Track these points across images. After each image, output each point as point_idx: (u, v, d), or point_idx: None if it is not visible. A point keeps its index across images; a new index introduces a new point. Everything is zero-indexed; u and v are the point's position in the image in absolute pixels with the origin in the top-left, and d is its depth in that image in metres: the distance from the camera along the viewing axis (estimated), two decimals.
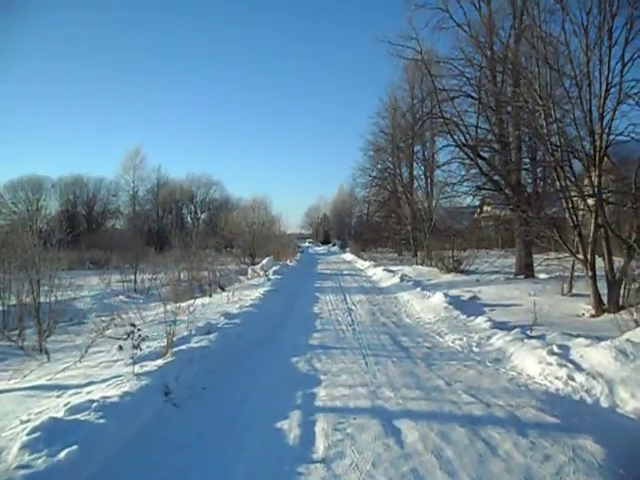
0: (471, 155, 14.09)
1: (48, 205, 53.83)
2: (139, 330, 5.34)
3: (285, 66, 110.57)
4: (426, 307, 10.46)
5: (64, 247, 32.65)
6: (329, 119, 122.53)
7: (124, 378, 4.78)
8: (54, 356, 7.03)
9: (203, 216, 58.86)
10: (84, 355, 5.88)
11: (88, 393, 4.54)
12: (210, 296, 13.58)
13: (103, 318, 11.38)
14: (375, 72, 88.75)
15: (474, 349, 6.73)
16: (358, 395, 4.88)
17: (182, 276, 17.51)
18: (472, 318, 8.60)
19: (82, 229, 49.69)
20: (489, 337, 7.05)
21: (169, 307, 12.34)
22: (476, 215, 39.33)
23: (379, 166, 32.82)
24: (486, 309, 9.93)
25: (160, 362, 5.41)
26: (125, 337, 5.13)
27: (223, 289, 16.07)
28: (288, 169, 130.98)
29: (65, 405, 4.03)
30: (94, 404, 3.90)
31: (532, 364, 5.57)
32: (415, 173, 29.35)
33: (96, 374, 5.34)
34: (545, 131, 9.51)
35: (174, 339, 6.80)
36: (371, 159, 32.91)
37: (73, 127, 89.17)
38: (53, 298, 10.89)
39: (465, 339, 7.22)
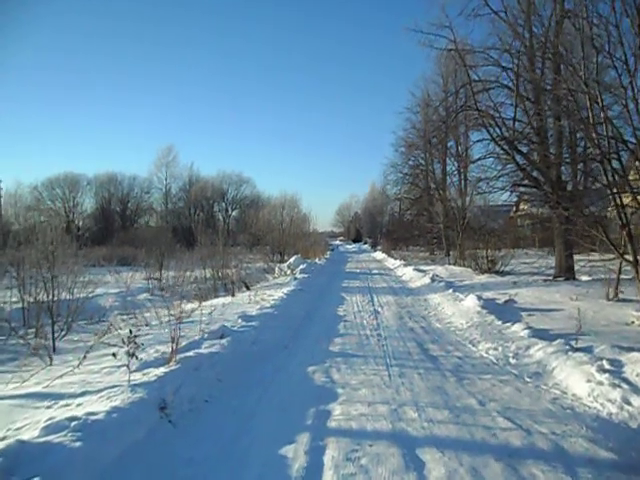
0: (508, 150, 13.26)
1: (84, 202, 55.03)
2: (135, 337, 4.87)
3: (317, 64, 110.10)
4: (458, 311, 9.76)
5: (97, 243, 33.02)
6: (362, 116, 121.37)
7: (118, 390, 4.33)
8: (63, 357, 6.71)
9: (234, 213, 59.08)
10: (82, 362, 5.46)
11: (78, 406, 4.11)
12: (233, 295, 13.19)
13: (124, 317, 11.19)
14: (408, 66, 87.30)
15: (511, 361, 6.05)
16: (377, 415, 4.30)
17: (208, 274, 17.27)
18: (508, 324, 7.87)
19: (116, 226, 50.91)
20: (528, 347, 6.33)
21: (189, 306, 12.08)
22: (512, 213, 38.17)
23: (411, 162, 31.96)
24: (523, 314, 9.17)
25: (162, 371, 4.95)
26: (128, 342, 4.68)
27: (248, 288, 15.70)
28: (320, 167, 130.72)
29: (46, 421, 3.58)
30: (74, 422, 3.44)
31: (579, 382, 4.87)
32: (448, 169, 28.46)
33: (95, 382, 4.92)
34: (591, 121, 8.68)
35: (184, 343, 6.39)
36: (402, 155, 32.09)
37: (108, 126, 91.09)
38: (70, 296, 10.76)
39: (501, 349, 6.54)
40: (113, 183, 55.29)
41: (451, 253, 24.18)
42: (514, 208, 38.84)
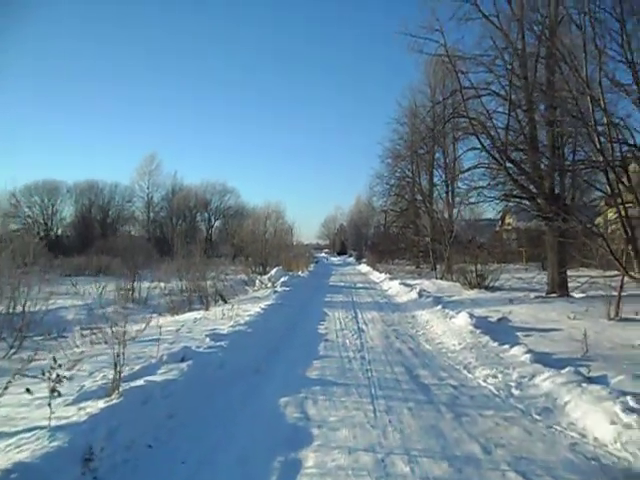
0: (499, 159, 12.60)
1: (63, 210, 53.55)
2: (59, 366, 3.96)
3: (302, 74, 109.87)
4: (449, 330, 8.96)
5: (77, 252, 31.73)
6: (348, 127, 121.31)
7: (34, 435, 3.43)
8: None
9: (217, 224, 57.96)
10: (4, 390, 4.51)
11: None
12: (207, 309, 12.26)
13: (87, 332, 10.17)
14: (397, 75, 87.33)
15: (514, 392, 5.23)
16: (359, 468, 3.46)
17: (185, 286, 16.26)
18: (506, 347, 7.07)
19: (96, 234, 49.47)
20: (532, 376, 5.53)
21: (156, 321, 11.11)
22: (497, 227, 37.76)
23: (397, 174, 31.28)
24: (520, 334, 8.39)
25: (99, 406, 4.05)
26: (49, 375, 3.76)
27: (225, 301, 14.79)
28: (306, 179, 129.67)
29: None
30: None
31: (600, 423, 4.06)
32: (435, 181, 27.86)
33: (19, 418, 4.01)
34: (592, 125, 8.03)
35: (137, 368, 5.49)
36: (389, 167, 31.41)
37: (89, 133, 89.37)
38: (28, 308, 9.81)
39: (501, 377, 5.73)
40: (94, 191, 53.89)
41: (438, 267, 23.50)
42: (499, 222, 38.57)
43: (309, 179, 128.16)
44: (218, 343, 7.03)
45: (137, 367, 5.52)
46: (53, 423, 3.62)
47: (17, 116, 76.87)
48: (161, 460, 3.60)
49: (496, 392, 5.28)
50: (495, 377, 5.75)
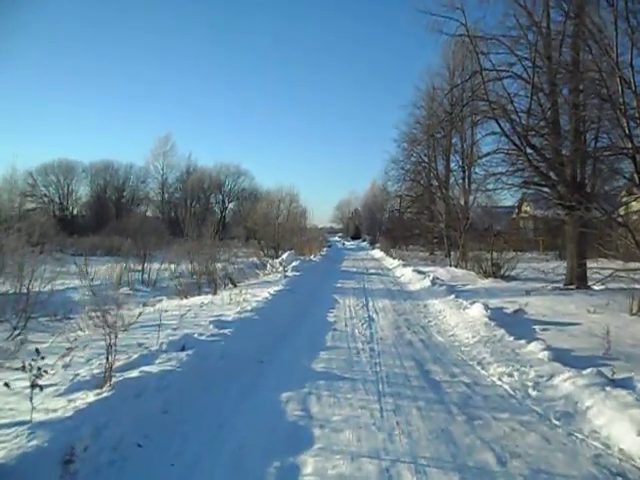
0: (519, 144, 12.09)
1: (79, 190, 53.79)
2: (43, 358, 3.70)
3: (318, 58, 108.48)
4: (462, 321, 8.62)
5: (92, 232, 31.85)
6: (364, 111, 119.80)
7: (13, 432, 3.19)
8: None
9: (231, 205, 57.80)
10: None
11: None
12: (215, 293, 12.05)
13: (97, 313, 10.01)
14: (413, 60, 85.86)
15: (531, 393, 4.90)
16: (363, 478, 3.17)
17: (194, 268, 16.04)
18: (522, 342, 6.72)
19: (111, 214, 49.59)
20: (551, 376, 5.18)
21: (161, 305, 10.93)
22: (514, 215, 36.97)
23: (413, 159, 30.63)
24: (537, 328, 8.04)
25: (87, 400, 3.81)
26: (30, 367, 3.50)
27: (235, 285, 14.59)
28: (320, 162, 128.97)
29: None
30: None
31: (627, 433, 3.70)
32: (451, 166, 27.21)
33: (6, 409, 3.78)
34: (622, 109, 7.53)
35: (134, 357, 5.26)
36: (405, 151, 30.76)
37: (104, 113, 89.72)
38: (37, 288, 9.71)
39: (517, 375, 5.40)
40: (109, 171, 54.00)
41: (452, 254, 23.03)
42: (516, 210, 37.75)
43: (324, 163, 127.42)
44: (222, 331, 6.79)
45: (135, 356, 5.29)
46: (37, 418, 3.38)
47: (33, 95, 77.25)
48: (149, 462, 3.35)
49: (512, 392, 4.95)
50: (511, 375, 5.41)
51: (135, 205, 54.34)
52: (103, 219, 45.86)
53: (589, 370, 5.02)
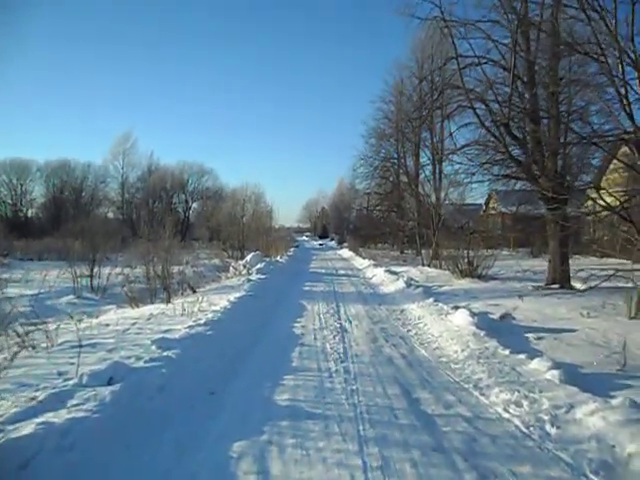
0: (498, 135, 11.20)
1: (33, 190, 51.04)
2: None
3: (283, 54, 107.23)
4: (446, 330, 7.60)
5: (48, 234, 29.73)
6: (331, 108, 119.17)
7: None
8: None
9: (195, 205, 55.92)
10: None
11: None
12: (168, 301, 10.74)
13: (30, 327, 8.56)
14: (381, 55, 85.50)
15: (550, 430, 3.86)
16: None
17: (148, 273, 14.58)
18: (522, 357, 5.73)
19: (69, 216, 47.07)
20: (570, 406, 4.15)
21: (108, 316, 9.62)
22: (482, 212, 36.63)
23: (382, 155, 29.81)
24: (530, 337, 7.10)
25: None
26: None
27: (194, 290, 13.31)
28: (288, 161, 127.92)
29: None
30: None
31: None
32: (422, 162, 26.37)
33: None
34: (623, 90, 6.63)
35: (42, 397, 4.00)
36: (373, 147, 29.95)
37: (60, 111, 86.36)
38: None
39: (526, 404, 4.36)
40: (66, 170, 51.42)
41: (423, 252, 22.20)
42: (484, 207, 37.43)
43: (291, 162, 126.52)
44: (165, 353, 5.55)
45: (42, 395, 4.02)
46: None
47: None
48: None
49: (526, 430, 3.90)
50: (519, 405, 4.38)
51: (95, 206, 51.84)
52: (60, 221, 43.51)
53: (619, 400, 4.01)
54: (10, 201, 49.42)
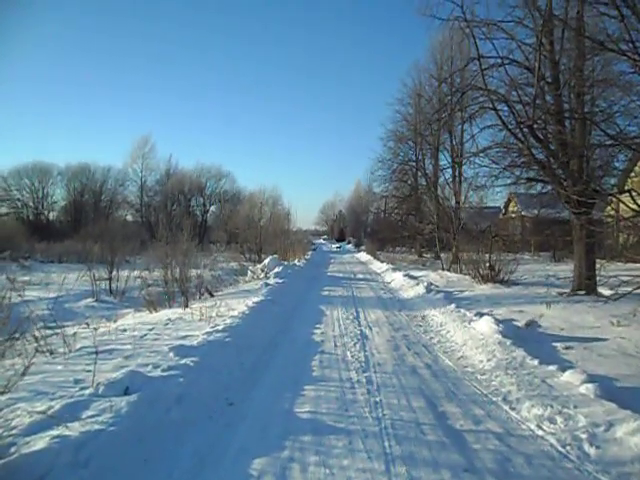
0: (521, 138, 10.91)
1: (54, 193, 51.75)
2: None
3: (301, 56, 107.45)
4: (470, 339, 7.35)
5: (69, 237, 30.01)
6: (349, 112, 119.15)
7: None
8: None
9: (212, 209, 56.13)
10: None
11: None
12: (186, 306, 10.65)
13: (48, 330, 8.53)
14: (400, 58, 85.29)
15: (588, 450, 3.63)
16: None
17: (166, 276, 14.55)
18: (552, 369, 5.48)
19: (89, 219, 47.58)
20: (610, 425, 3.89)
21: (126, 320, 9.58)
22: (501, 215, 36.09)
23: (400, 158, 29.55)
24: (558, 346, 6.83)
25: None
26: None
27: (212, 294, 13.27)
28: (305, 164, 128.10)
29: None
30: None
31: None
32: (441, 165, 26.03)
33: None
34: None
35: (56, 407, 3.88)
36: (391, 150, 29.67)
37: (82, 115, 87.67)
38: None
39: (560, 421, 4.12)
40: (86, 174, 52.01)
41: (442, 256, 21.85)
42: (503, 210, 36.89)
43: (308, 164, 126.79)
44: (183, 361, 5.43)
45: (57, 406, 3.91)
46: None
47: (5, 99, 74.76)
48: None
49: (562, 450, 3.67)
50: (553, 421, 4.14)
51: (114, 209, 52.39)
52: (80, 224, 44.05)
53: None
54: (32, 204, 50.15)
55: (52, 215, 52.91)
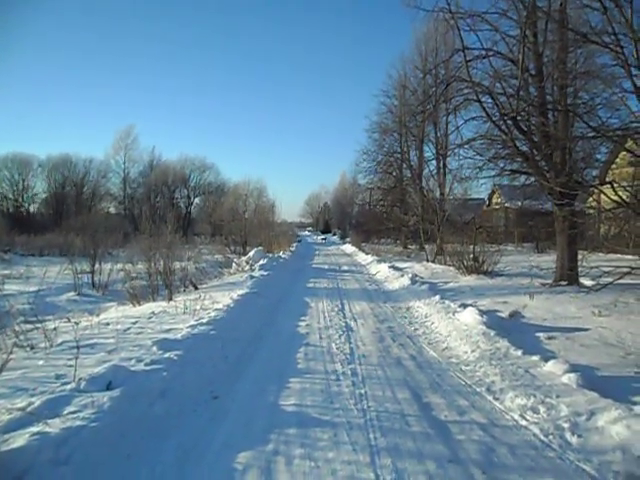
0: (505, 129, 10.97)
1: (35, 185, 50.79)
2: None
3: (283, 49, 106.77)
4: (455, 329, 7.39)
5: (50, 230, 29.53)
6: (335, 104, 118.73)
7: None
8: None
9: (197, 200, 55.68)
10: None
11: None
12: (170, 299, 10.57)
13: (29, 325, 8.39)
14: (385, 50, 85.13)
15: (570, 439, 3.67)
16: None
17: (150, 269, 14.39)
18: (535, 359, 5.53)
19: (70, 212, 46.84)
20: (591, 413, 3.94)
21: (110, 314, 9.47)
22: (485, 207, 36.40)
23: (385, 149, 29.56)
24: (541, 336, 6.90)
25: None
26: None
27: (196, 287, 13.17)
28: (290, 157, 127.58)
29: None
30: None
31: None
32: (425, 157, 26.09)
33: None
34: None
35: (37, 404, 3.81)
36: (376, 142, 29.67)
37: (63, 106, 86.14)
38: None
39: (543, 410, 4.16)
40: (67, 165, 51.00)
41: (426, 247, 21.96)
42: (487, 201, 37.20)
43: (294, 157, 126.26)
44: (167, 354, 5.38)
45: (38, 402, 3.84)
46: None
47: None
48: None
49: (545, 439, 3.71)
50: (535, 411, 4.18)
51: (96, 201, 51.57)
52: (62, 216, 43.45)
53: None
54: (12, 196, 49.20)
55: (33, 208, 51.97)
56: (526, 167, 11.96)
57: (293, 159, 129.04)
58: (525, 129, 11.08)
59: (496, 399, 4.59)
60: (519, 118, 11.05)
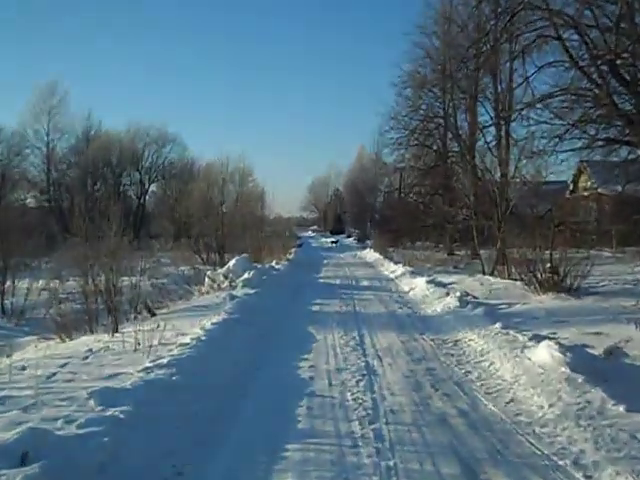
0: (598, 80, 10.97)
1: None
2: None
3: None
4: (524, 374, 7.38)
5: None
6: (343, 63, 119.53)
7: None
8: None
9: (153, 188, 56.02)
10: None
11: None
12: (115, 330, 10.67)
13: None
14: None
15: None
16: None
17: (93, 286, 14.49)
18: None
19: None
20: None
21: (27, 353, 9.54)
22: (568, 194, 36.20)
23: (422, 112, 29.64)
24: None
25: None
26: None
27: (153, 313, 13.33)
28: (289, 135, 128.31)
29: None
30: None
31: None
32: (481, 120, 26.08)
33: None
34: None
35: None
36: (409, 102, 29.75)
37: None
38: None
39: None
40: None
41: (481, 253, 22.00)
42: (571, 186, 36.99)
43: (293, 134, 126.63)
44: (110, 411, 5.41)
45: None
46: None
47: None
48: None
49: None
50: None
51: (7, 190, 51.79)
52: None
53: None
54: None
55: None
56: (629, 135, 11.93)
57: (294, 138, 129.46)
58: (629, 78, 11.06)
59: (588, 477, 4.53)
60: (619, 62, 11.03)
